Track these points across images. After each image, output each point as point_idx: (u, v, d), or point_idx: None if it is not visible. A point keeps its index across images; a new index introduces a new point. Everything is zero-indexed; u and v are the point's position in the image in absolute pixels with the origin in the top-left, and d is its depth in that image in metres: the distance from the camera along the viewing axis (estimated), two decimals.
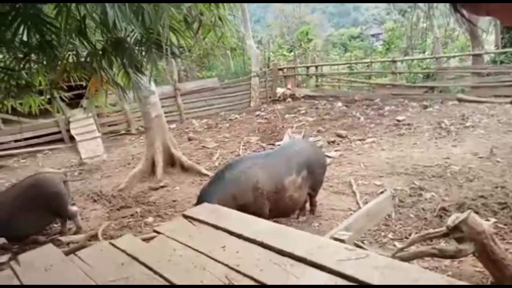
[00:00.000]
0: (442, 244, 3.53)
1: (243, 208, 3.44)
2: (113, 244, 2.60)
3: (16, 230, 4.17)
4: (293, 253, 2.11)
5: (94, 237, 4.30)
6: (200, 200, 3.36)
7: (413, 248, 3.37)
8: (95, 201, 5.48)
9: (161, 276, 2.14)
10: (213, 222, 2.68)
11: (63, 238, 4.25)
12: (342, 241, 2.34)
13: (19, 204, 4.07)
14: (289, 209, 3.90)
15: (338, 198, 4.86)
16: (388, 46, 17.37)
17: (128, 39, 3.34)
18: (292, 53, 16.06)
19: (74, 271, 2.30)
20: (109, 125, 10.20)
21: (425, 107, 8.99)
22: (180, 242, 2.49)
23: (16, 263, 2.50)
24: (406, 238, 3.78)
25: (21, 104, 4.30)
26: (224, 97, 12.39)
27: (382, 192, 4.83)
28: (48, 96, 4.25)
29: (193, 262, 2.22)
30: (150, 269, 2.22)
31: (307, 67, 13.93)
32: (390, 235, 3.85)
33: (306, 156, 3.95)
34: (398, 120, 8.06)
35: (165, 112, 11.08)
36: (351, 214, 4.40)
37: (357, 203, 4.64)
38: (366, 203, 4.60)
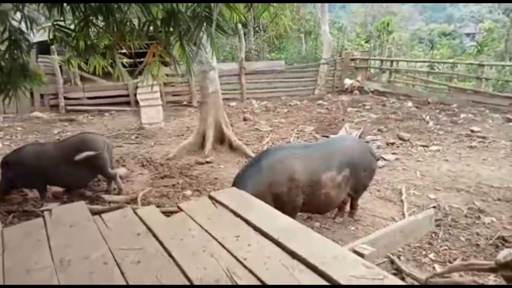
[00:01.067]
0: (490, 279, 3.11)
1: (276, 197, 3.34)
2: (136, 213, 2.66)
3: (62, 181, 4.55)
4: (306, 259, 1.96)
5: (134, 201, 4.48)
6: (235, 185, 3.30)
7: (454, 276, 3.02)
8: (143, 166, 5.71)
9: (169, 254, 2.13)
10: (235, 208, 2.60)
11: (106, 197, 4.50)
12: (362, 255, 2.13)
13: (64, 158, 4.37)
14: (323, 207, 3.70)
15: (383, 205, 4.52)
16: (481, 48, 15.64)
17: (186, 11, 3.33)
18: (369, 44, 15.19)
19: (94, 232, 2.38)
20: (173, 95, 10.57)
21: (509, 120, 7.98)
22: (197, 223, 2.46)
23: (49, 214, 2.67)
24: (450, 262, 3.40)
25: (86, 63, 4.56)
26: (289, 81, 12.16)
27: (434, 207, 4.40)
28: (110, 60, 4.47)
29: (204, 246, 2.18)
30: (162, 244, 2.22)
31: (382, 61, 13.09)
32: (431, 256, 3.49)
33: (351, 155, 3.68)
34: (472, 131, 7.25)
35: (228, 90, 11.28)
36: (393, 224, 4.08)
37: (403, 214, 4.27)
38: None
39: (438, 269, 3.31)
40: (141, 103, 8.90)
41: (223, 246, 2.17)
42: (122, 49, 4.26)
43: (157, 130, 7.78)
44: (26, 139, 7.12)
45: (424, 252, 3.53)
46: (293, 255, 2.02)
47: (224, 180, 5.22)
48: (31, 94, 8.93)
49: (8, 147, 6.61)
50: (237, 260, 2.04)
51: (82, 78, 9.88)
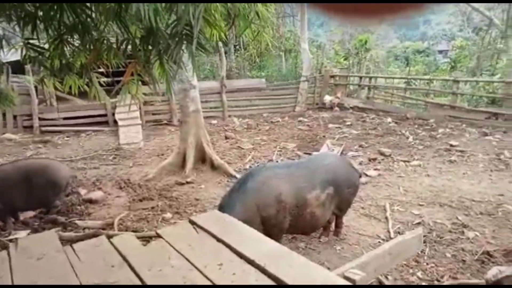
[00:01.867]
0: None
1: (264, 220, 3.22)
2: (111, 242, 2.50)
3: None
4: None
5: (110, 226, 4.27)
6: (221, 210, 3.17)
7: None
8: (121, 188, 5.50)
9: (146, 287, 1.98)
10: (217, 233, 2.47)
11: (80, 223, 4.28)
12: (353, 281, 2.03)
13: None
14: (309, 227, 3.60)
15: (368, 222, 4.46)
16: (454, 65, 16.19)
17: (165, 29, 3.25)
18: (347, 61, 15.49)
19: (63, 265, 2.20)
20: (153, 114, 10.40)
21: (485, 134, 8.17)
22: (177, 251, 2.32)
23: (15, 246, 2.47)
24: (437, 280, 3.34)
25: (61, 83, 4.40)
26: (270, 99, 12.19)
27: (418, 223, 4.38)
28: (86, 80, 4.32)
29: (184, 277, 2.04)
30: (138, 276, 2.07)
31: (360, 77, 13.33)
32: (419, 274, 3.42)
33: (334, 172, 3.62)
34: (451, 145, 7.36)
35: (209, 108, 11.18)
36: (379, 242, 4.01)
37: (388, 231, 4.21)
38: (399, 232, 4.18)
39: None
40: (119, 123, 8.69)
41: (205, 276, 2.03)
42: (99, 68, 4.15)
43: (136, 150, 7.57)
44: None
45: (411, 271, 3.47)
46: (279, 282, 1.92)
47: (205, 201, 5.07)
48: (3, 115, 8.59)
49: None
50: None
51: (58, 98, 9.61)
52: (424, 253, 3.73)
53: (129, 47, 3.33)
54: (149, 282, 2.00)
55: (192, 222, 2.69)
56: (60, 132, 9.22)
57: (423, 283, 3.27)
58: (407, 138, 8.19)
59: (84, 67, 3.96)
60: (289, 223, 3.38)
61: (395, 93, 12.26)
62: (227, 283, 1.96)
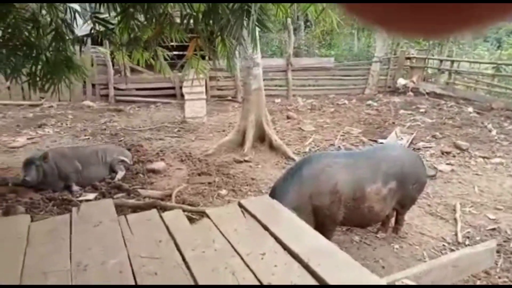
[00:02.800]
0: None
1: (317, 209, 3.08)
2: (161, 217, 2.55)
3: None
4: None
5: (169, 197, 4.42)
6: (273, 194, 3.09)
7: None
8: (182, 161, 5.67)
9: (188, 268, 1.98)
10: (264, 221, 2.39)
11: (142, 191, 4.49)
12: None
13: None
14: (365, 221, 3.38)
15: (433, 222, 4.08)
16: None
17: (226, 5, 3.15)
18: (427, 42, 14.18)
19: (116, 235, 2.29)
20: (218, 89, 10.52)
21: None
22: (223, 234, 2.29)
23: (77, 210, 2.63)
24: None
25: (129, 56, 4.56)
26: (337, 79, 11.66)
27: (493, 229, 3.91)
28: (152, 54, 4.42)
29: (226, 262, 2.00)
30: (182, 256, 2.08)
31: (441, 61, 12.15)
32: None
33: (400, 165, 3.32)
34: None
35: (273, 86, 11.03)
36: (443, 246, 3.66)
37: (456, 234, 3.82)
38: (468, 237, 3.78)
39: None
40: (185, 97, 8.94)
41: (246, 265, 1.97)
42: (164, 42, 4.21)
43: (199, 124, 7.74)
44: (74, 127, 7.40)
45: (478, 282, 3.11)
46: (323, 283, 1.79)
47: (260, 181, 5.03)
48: (84, 83, 9.28)
49: (57, 134, 6.90)
50: (260, 283, 1.84)
51: (133, 70, 10.12)
52: (497, 264, 3.32)
53: (191, 22, 3.31)
54: (191, 263, 2.00)
55: (241, 206, 2.64)
56: (132, 102, 9.77)
57: None
58: (490, 131, 7.32)
59: (149, 41, 4.06)
60: (344, 215, 3.20)
61: (480, 79, 11.00)
62: (267, 275, 1.88)
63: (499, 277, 3.17)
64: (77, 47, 3.93)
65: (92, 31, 3.51)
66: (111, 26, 3.37)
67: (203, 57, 4.08)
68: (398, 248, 3.59)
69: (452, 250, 3.56)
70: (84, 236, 2.26)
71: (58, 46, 3.68)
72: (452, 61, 11.90)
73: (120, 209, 4.10)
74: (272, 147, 6.05)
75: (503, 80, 11.04)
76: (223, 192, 4.70)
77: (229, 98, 10.35)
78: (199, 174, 5.20)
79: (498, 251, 3.49)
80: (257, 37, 5.83)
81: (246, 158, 5.77)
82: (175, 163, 5.60)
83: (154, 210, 2.66)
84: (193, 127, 7.56)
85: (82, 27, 4.10)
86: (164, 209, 4.14)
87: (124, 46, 4.04)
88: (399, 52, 12.42)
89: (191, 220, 3.16)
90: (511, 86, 10.39)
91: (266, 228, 2.32)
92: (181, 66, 3.95)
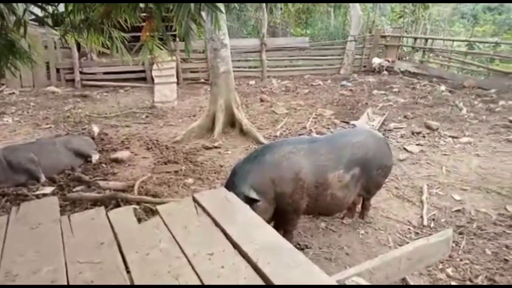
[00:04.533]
0: None
1: (279, 197, 2.98)
2: (107, 215, 2.39)
3: None
4: None
5: (132, 188, 4.25)
6: (233, 175, 2.96)
7: None
8: (148, 149, 5.46)
9: (128, 272, 1.85)
10: (216, 217, 2.27)
11: (102, 183, 4.29)
12: None
13: None
14: (329, 209, 3.31)
15: (400, 205, 4.06)
16: None
17: None
18: (402, 20, 14.11)
19: (55, 238, 2.11)
20: (191, 71, 10.22)
21: None
22: (171, 232, 2.16)
23: (17, 210, 2.44)
24: (470, 280, 2.96)
25: (83, 40, 4.26)
26: (313, 59, 11.51)
27: (458, 211, 3.92)
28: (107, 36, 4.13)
29: (170, 266, 1.87)
30: (124, 259, 1.94)
31: (415, 39, 12.12)
32: (449, 271, 3.05)
33: (364, 151, 3.23)
34: (511, 121, 6.52)
35: (247, 67, 10.79)
36: (409, 229, 3.65)
37: (422, 217, 3.81)
38: (433, 219, 3.78)
39: None
40: (155, 80, 8.63)
41: (192, 266, 1.86)
42: (119, 24, 3.95)
43: (169, 109, 7.49)
44: (36, 115, 7.03)
45: (441, 266, 3.10)
46: (269, 283, 1.70)
47: (229, 168, 4.88)
48: (47, 68, 8.82)
49: (17, 124, 6.54)
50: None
51: (101, 53, 9.67)
52: (460, 246, 3.33)
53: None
54: (132, 266, 1.87)
55: (195, 200, 2.51)
56: (100, 86, 9.37)
57: (453, 283, 2.91)
58: (460, 110, 7.37)
59: (103, 23, 3.78)
60: (307, 203, 3.11)
61: (454, 57, 11.05)
62: (213, 278, 1.77)
63: (461, 259, 3.18)
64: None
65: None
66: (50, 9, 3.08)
67: (161, 39, 3.84)
68: (364, 233, 3.55)
69: (417, 234, 3.56)
70: (18, 241, 2.09)
71: None
72: (426, 39, 11.89)
73: (79, 204, 3.93)
74: (243, 132, 5.90)
75: (476, 58, 11.12)
76: (190, 181, 4.56)
77: (202, 80, 10.07)
78: (165, 163, 5.02)
79: (461, 233, 3.52)
80: (221, 17, 5.59)
81: (216, 144, 5.61)
82: (141, 151, 5.40)
83: (101, 208, 2.49)
84: (162, 112, 7.31)
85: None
86: (125, 201, 4.00)
87: (75, 28, 3.77)
88: (374, 30, 12.31)
89: (154, 213, 3.02)
90: (483, 64, 10.48)
91: (217, 224, 2.20)
92: (138, 49, 3.70)
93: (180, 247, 2.00)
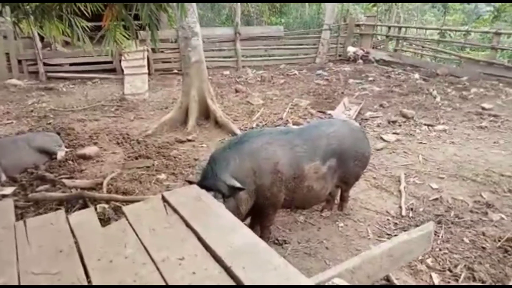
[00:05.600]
0: None
1: (259, 189, 2.83)
2: (68, 219, 2.18)
3: None
4: None
5: (100, 186, 4.01)
6: (211, 163, 2.78)
7: None
8: (118, 143, 5.20)
9: (89, 282, 1.68)
10: (187, 217, 2.09)
11: (67, 182, 4.02)
12: None
13: None
14: (306, 202, 3.20)
15: (378, 195, 4.01)
16: (497, 14, 14.48)
17: None
18: (376, 9, 14.16)
19: (7, 246, 1.90)
20: (162, 62, 9.87)
21: None
22: (138, 236, 1.98)
23: None
24: (450, 270, 2.93)
25: (41, 28, 3.95)
26: (288, 49, 11.37)
27: (436, 200, 3.90)
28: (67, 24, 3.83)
29: (136, 274, 1.69)
30: (85, 268, 1.76)
31: (389, 27, 12.17)
32: (429, 261, 3.01)
33: (339, 142, 3.13)
34: (484, 108, 6.62)
35: (222, 57, 10.53)
36: (388, 220, 3.60)
37: (400, 207, 3.77)
38: (412, 209, 3.75)
39: (437, 279, 2.86)
40: (125, 71, 8.26)
41: (160, 273, 1.69)
42: (80, 11, 3.68)
43: (140, 101, 7.19)
44: None
45: (420, 257, 3.06)
46: None
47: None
48: (7, 59, 8.28)
49: None
50: None
51: (67, 43, 9.18)
52: (438, 236, 3.30)
53: None
54: (93, 275, 1.69)
55: (165, 199, 2.34)
56: (66, 78, 8.89)
57: (433, 274, 2.87)
58: (434, 98, 7.43)
59: (61, 9, 3.51)
60: (285, 197, 2.99)
61: (427, 45, 11.18)
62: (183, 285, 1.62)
63: (440, 249, 3.16)
64: None
65: None
66: None
67: (125, 27, 3.59)
68: (343, 226, 3.48)
69: (396, 224, 3.51)
70: None
71: None
72: (400, 28, 11.97)
73: (43, 204, 3.67)
74: (218, 124, 5.72)
75: (447, 46, 11.29)
76: (162, 176, 4.35)
77: (175, 71, 9.74)
78: (136, 158, 4.78)
79: (439, 222, 3.50)
80: (192, 5, 5.35)
81: (189, 137, 5.40)
82: (110, 146, 5.13)
83: (61, 212, 2.28)
84: (132, 105, 7.00)
85: None
86: (92, 200, 3.76)
87: (28, 15, 3.47)
88: (349, 19, 12.27)
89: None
90: (455, 52, 10.65)
91: (189, 226, 2.04)
92: (101, 38, 3.44)
93: (148, 252, 1.84)
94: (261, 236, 3.09)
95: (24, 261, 1.80)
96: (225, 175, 2.62)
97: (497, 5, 15.66)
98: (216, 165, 2.71)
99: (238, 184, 2.59)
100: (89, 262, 1.77)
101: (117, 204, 3.62)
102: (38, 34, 8.32)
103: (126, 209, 2.26)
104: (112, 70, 9.28)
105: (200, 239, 1.92)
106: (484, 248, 3.17)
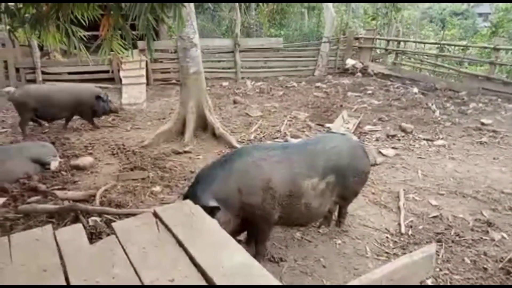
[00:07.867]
0: None
1: (247, 208, 2.75)
2: (55, 235, 2.09)
3: None
4: None
5: (93, 198, 3.92)
6: (197, 181, 2.72)
7: None
8: (113, 154, 5.12)
9: None
10: (179, 235, 2.01)
11: (59, 193, 3.93)
12: None
13: None
14: (304, 219, 3.12)
15: (377, 212, 3.93)
16: (495, 30, 14.58)
17: None
18: (376, 22, 14.25)
19: None
20: (161, 72, 9.85)
21: None
22: (127, 255, 1.89)
23: None
24: None
25: (39, 37, 3.91)
26: (287, 61, 11.39)
27: (435, 217, 3.82)
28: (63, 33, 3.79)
29: None
30: None
31: (388, 41, 12.23)
32: (429, 282, 2.91)
33: (338, 158, 3.07)
34: (483, 123, 6.58)
35: (221, 68, 10.54)
36: (386, 238, 3.51)
37: (399, 224, 3.69)
38: (411, 226, 3.66)
39: None
40: (123, 81, 8.22)
41: None
42: (77, 20, 3.64)
43: (136, 111, 7.13)
44: None
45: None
46: None
47: None
48: (5, 67, 8.24)
49: None
50: None
51: (66, 52, 9.16)
52: (439, 255, 3.21)
53: None
54: None
55: (156, 216, 2.25)
56: None
57: None
58: (433, 112, 7.40)
59: (58, 18, 3.47)
60: (280, 214, 2.91)
61: (425, 60, 11.21)
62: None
63: (440, 269, 3.07)
64: None
65: None
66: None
67: (122, 37, 3.55)
68: (341, 243, 3.39)
69: (395, 242, 3.43)
70: None
71: None
72: (399, 42, 12.03)
73: (34, 216, 3.57)
74: (215, 136, 5.65)
75: (446, 60, 11.33)
76: (157, 189, 4.27)
77: (174, 81, 9.72)
78: (131, 169, 4.70)
79: (439, 240, 3.41)
80: (186, 13, 5.32)
81: (186, 149, 5.33)
82: (105, 157, 5.05)
83: (48, 227, 2.18)
84: (130, 115, 6.94)
85: None
86: (85, 213, 3.66)
87: (27, 23, 3.43)
88: (348, 32, 12.33)
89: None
90: (454, 67, 10.68)
91: (181, 245, 1.95)
92: (98, 47, 3.39)
93: (136, 273, 1.75)
94: (256, 252, 3.00)
95: (5, 281, 1.71)
96: (205, 195, 2.54)
97: (495, 20, 15.80)
98: (199, 184, 2.66)
99: (212, 204, 2.49)
100: (75, 282, 1.69)
101: (109, 217, 3.53)
102: (38, 43, 8.31)
103: (116, 225, 2.18)
104: (111, 80, 9.24)
105: (192, 259, 1.83)
106: (485, 268, 3.08)
